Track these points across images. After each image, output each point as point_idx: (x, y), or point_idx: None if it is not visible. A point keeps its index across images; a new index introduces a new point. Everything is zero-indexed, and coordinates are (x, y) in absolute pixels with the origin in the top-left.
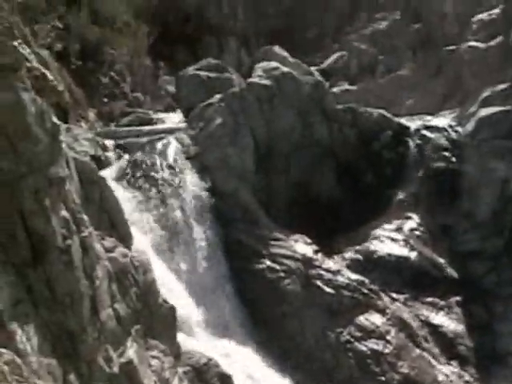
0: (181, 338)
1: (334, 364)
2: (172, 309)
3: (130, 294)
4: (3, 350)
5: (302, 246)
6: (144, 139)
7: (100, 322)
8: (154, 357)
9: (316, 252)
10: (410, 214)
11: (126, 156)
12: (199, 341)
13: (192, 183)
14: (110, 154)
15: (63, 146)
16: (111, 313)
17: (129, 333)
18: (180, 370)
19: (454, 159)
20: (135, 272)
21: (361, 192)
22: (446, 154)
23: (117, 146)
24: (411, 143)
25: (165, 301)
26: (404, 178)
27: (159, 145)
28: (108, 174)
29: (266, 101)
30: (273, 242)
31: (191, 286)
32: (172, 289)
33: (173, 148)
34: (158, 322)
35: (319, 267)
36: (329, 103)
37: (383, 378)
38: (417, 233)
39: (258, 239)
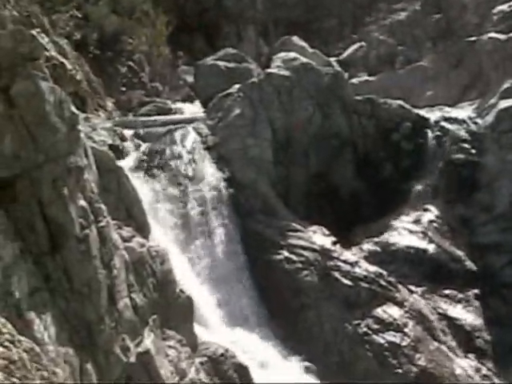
0: (198, 328)
1: (352, 356)
2: (189, 299)
3: (147, 283)
4: (22, 338)
5: (320, 238)
6: (162, 129)
7: (117, 312)
8: (170, 347)
9: (334, 243)
10: (428, 206)
11: (144, 146)
12: (216, 332)
13: (210, 174)
14: (128, 144)
15: (81, 135)
16: (128, 302)
17: (146, 323)
18: (197, 360)
19: (473, 151)
20: (152, 262)
21: (379, 183)
22: (466, 145)
23: (135, 136)
24: (430, 134)
25: (182, 291)
26: (423, 170)
27: (177, 135)
28: (126, 163)
29: (284, 91)
30: (291, 233)
31: (209, 277)
32: (189, 279)
33: (191, 138)
34: (175, 312)
35: (337, 259)
36: (348, 94)
37: (400, 371)
38: (435, 225)
39: (276, 230)
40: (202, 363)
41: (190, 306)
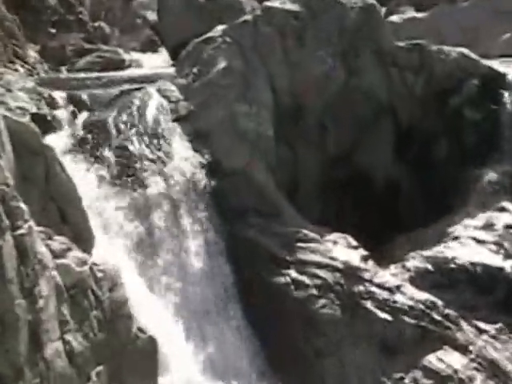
0: (164, 382)
1: None
2: (152, 342)
3: (89, 319)
4: None
5: (344, 250)
6: (111, 91)
7: (44, 362)
8: None
9: (364, 259)
10: (504, 204)
11: (85, 115)
12: None
13: (182, 157)
14: (61, 113)
15: None
16: (61, 347)
17: (87, 377)
18: None
19: None
20: (97, 287)
21: (430, 170)
22: None
23: (70, 101)
24: (507, 98)
25: (141, 330)
26: (496, 150)
27: (134, 100)
28: (57, 141)
29: (292, 35)
30: (301, 244)
31: (181, 308)
32: (152, 312)
33: (154, 104)
34: (131, 361)
35: (369, 281)
36: (385, 38)
37: None
38: None
39: (280, 239)
40: None
41: (153, 352)
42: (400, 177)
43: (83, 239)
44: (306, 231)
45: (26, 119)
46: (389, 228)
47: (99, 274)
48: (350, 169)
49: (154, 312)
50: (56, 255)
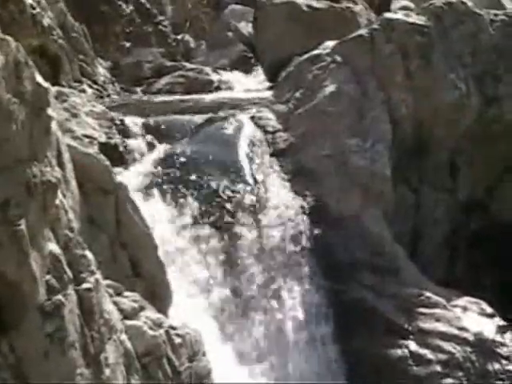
0: None
1: None
2: None
3: None
4: None
5: (477, 319)
6: (196, 118)
7: None
8: None
9: (502, 330)
10: None
11: (163, 147)
12: None
13: (280, 199)
14: (135, 143)
15: (53, 125)
16: None
17: None
18: None
19: None
20: (175, 356)
21: None
22: None
23: (147, 129)
24: None
25: None
26: None
27: (223, 130)
28: (131, 178)
29: (416, 54)
30: (423, 310)
31: None
32: None
33: (247, 135)
34: None
35: (508, 359)
36: None
37: None
38: None
39: (398, 303)
40: None
41: None
42: None
43: (159, 296)
44: (429, 294)
45: (95, 150)
46: None
47: (177, 340)
48: (487, 218)
49: None
50: (126, 315)
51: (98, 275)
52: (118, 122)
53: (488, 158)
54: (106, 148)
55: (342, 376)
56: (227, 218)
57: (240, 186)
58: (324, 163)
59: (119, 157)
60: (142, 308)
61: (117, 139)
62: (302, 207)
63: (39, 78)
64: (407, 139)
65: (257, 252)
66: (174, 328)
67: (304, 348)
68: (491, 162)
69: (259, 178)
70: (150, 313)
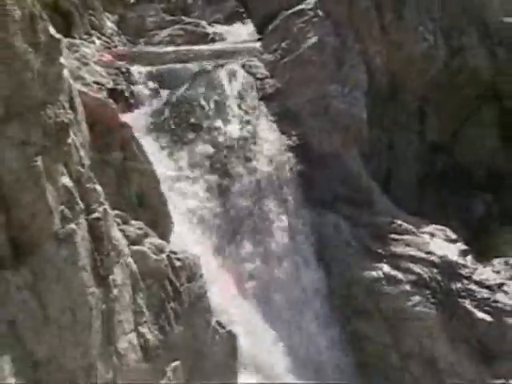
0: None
1: None
2: (231, 337)
3: (165, 311)
4: None
5: (442, 244)
6: (193, 66)
7: (117, 355)
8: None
9: (464, 253)
10: None
11: (165, 92)
12: None
13: (268, 138)
14: (140, 89)
15: (65, 73)
16: (135, 340)
17: (162, 373)
18: None
19: None
20: (175, 277)
21: None
22: None
23: (150, 77)
24: None
25: (220, 324)
26: None
27: (218, 76)
28: (136, 120)
29: (390, 9)
30: (395, 236)
31: (264, 303)
32: (234, 307)
33: (239, 82)
34: (209, 356)
35: (468, 278)
36: (492, 13)
37: None
38: None
39: (371, 231)
40: None
41: (233, 348)
42: (505, 167)
43: (161, 224)
44: (400, 222)
45: (103, 95)
46: (491, 221)
47: (177, 263)
48: (451, 158)
49: (234, 306)
50: (132, 241)
51: (107, 206)
52: (124, 70)
53: (453, 105)
54: (114, 93)
55: (325, 294)
56: (220, 154)
57: (232, 126)
58: (307, 106)
59: (125, 101)
60: (146, 235)
61: (123, 85)
62: (287, 145)
63: (52, 31)
64: (382, 87)
65: (249, 183)
66: (174, 253)
67: (288, 271)
68: (456, 109)
69: (249, 118)
70: (153, 239)
